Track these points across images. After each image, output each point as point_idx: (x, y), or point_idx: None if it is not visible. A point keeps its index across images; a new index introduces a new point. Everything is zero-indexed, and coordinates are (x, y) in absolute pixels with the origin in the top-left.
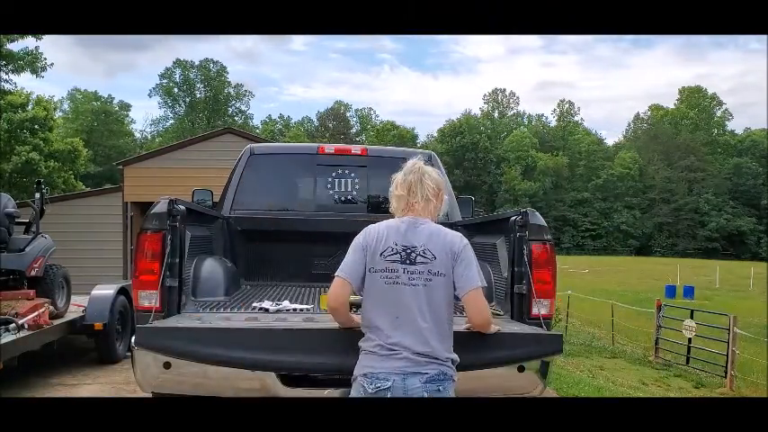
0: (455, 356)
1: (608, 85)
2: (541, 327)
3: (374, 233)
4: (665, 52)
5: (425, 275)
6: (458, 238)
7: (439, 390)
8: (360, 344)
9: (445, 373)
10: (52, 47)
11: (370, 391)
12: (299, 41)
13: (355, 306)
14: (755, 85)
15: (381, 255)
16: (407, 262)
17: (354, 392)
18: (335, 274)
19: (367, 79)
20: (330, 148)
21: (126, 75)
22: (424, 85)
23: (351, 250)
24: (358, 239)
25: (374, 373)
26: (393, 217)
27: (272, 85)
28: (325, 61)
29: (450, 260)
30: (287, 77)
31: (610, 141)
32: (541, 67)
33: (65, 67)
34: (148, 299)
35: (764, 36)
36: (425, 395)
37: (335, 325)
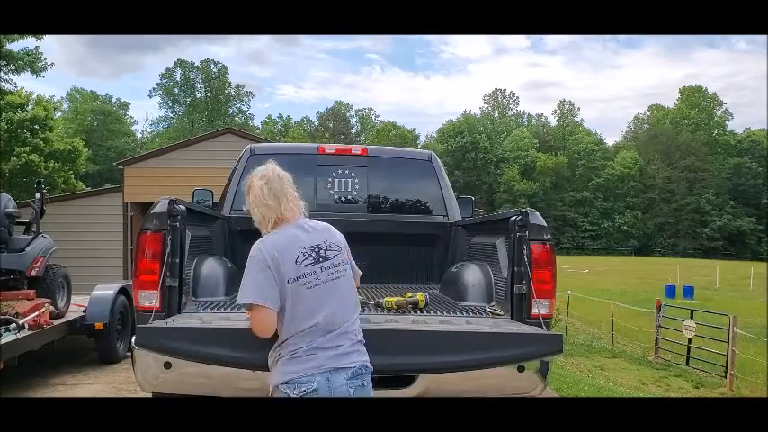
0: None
1: (599, 85)
2: (541, 327)
3: (271, 247)
4: (654, 52)
5: (340, 267)
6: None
7: (363, 385)
8: (280, 351)
9: (367, 366)
10: (58, 47)
11: (294, 395)
12: (286, 41)
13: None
14: (745, 85)
15: (296, 262)
16: (321, 260)
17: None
18: (251, 301)
19: (358, 80)
20: (330, 148)
21: (128, 75)
22: (416, 85)
23: (255, 270)
24: (257, 258)
25: (297, 378)
26: (321, 222)
27: (266, 85)
28: (315, 62)
29: (345, 250)
30: (278, 78)
31: (607, 141)
32: (531, 67)
33: (68, 67)
34: (149, 299)
35: (753, 36)
36: (351, 392)
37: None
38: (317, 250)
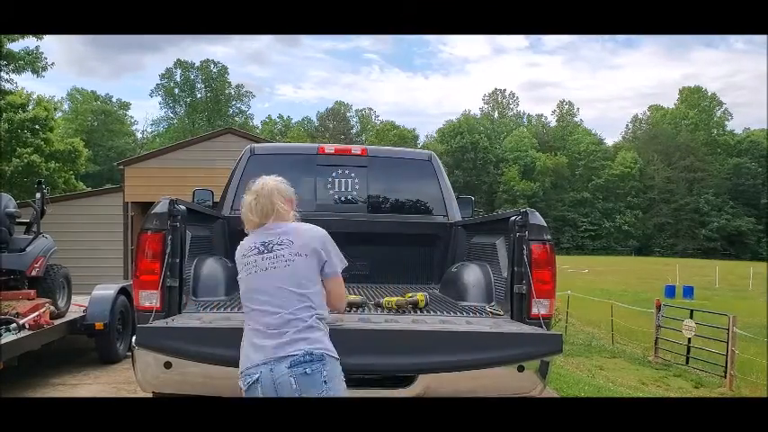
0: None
1: (598, 85)
2: (541, 327)
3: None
4: (653, 52)
5: (286, 257)
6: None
7: (306, 373)
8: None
9: (312, 353)
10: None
11: (243, 388)
12: (287, 42)
13: (355, 306)
14: (744, 85)
15: (243, 256)
16: (265, 252)
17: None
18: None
19: (357, 80)
20: (330, 148)
21: (129, 75)
22: (415, 85)
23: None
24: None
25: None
26: (300, 224)
27: (266, 85)
28: (314, 62)
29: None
30: (277, 78)
31: (607, 142)
32: (530, 67)
33: (69, 67)
34: (149, 299)
35: (751, 36)
36: (293, 381)
37: (336, 325)
38: (265, 244)
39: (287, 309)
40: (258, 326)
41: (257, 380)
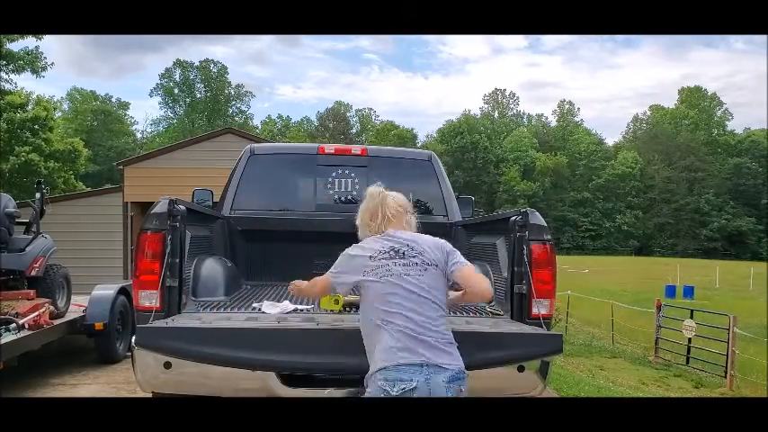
0: None
1: (597, 84)
2: (541, 327)
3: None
4: (652, 52)
5: (419, 265)
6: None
7: (461, 390)
8: None
9: (464, 372)
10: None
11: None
12: (288, 42)
13: (355, 306)
14: (744, 85)
15: (371, 258)
16: (396, 257)
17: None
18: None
19: (356, 80)
20: (330, 148)
21: (129, 75)
22: (415, 85)
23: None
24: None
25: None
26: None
27: (265, 85)
28: (313, 62)
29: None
30: (276, 78)
31: (607, 142)
32: (529, 67)
33: (68, 67)
34: (149, 299)
35: (750, 36)
36: (448, 395)
37: (336, 325)
38: (395, 250)
39: (425, 316)
40: (398, 328)
41: (414, 388)
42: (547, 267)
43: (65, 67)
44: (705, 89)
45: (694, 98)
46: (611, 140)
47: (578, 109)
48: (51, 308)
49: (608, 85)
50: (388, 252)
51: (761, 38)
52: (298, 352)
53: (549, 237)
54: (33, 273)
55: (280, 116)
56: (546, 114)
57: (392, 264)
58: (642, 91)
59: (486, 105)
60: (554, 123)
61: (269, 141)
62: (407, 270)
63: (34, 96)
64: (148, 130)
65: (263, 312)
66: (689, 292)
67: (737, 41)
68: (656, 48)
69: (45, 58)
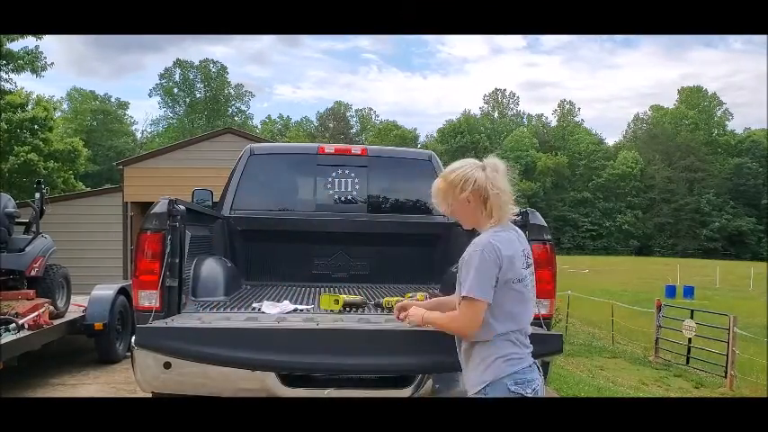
0: None
1: (597, 84)
2: (541, 327)
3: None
4: (652, 52)
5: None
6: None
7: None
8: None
9: None
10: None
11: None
12: (289, 42)
13: (355, 306)
14: (744, 85)
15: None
16: (527, 267)
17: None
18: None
19: (355, 80)
20: (330, 147)
21: (129, 75)
22: (414, 85)
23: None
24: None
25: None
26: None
27: (265, 85)
28: (312, 62)
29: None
30: (276, 78)
31: (607, 141)
32: (528, 67)
33: (68, 67)
34: (148, 299)
35: (750, 36)
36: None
37: (335, 325)
38: (525, 254)
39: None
40: (524, 333)
41: (536, 387)
42: (547, 267)
43: (65, 67)
44: (705, 89)
45: (694, 98)
46: (611, 140)
47: (578, 109)
48: (51, 308)
49: (608, 84)
50: (526, 258)
51: (761, 38)
52: (297, 352)
53: (549, 237)
54: (33, 273)
55: (279, 116)
56: (546, 114)
57: (527, 273)
58: (642, 91)
59: (485, 105)
60: (554, 123)
61: (269, 141)
62: (530, 279)
63: (34, 96)
64: (148, 129)
65: (263, 312)
66: (689, 292)
67: (737, 41)
68: (655, 48)
69: (45, 57)
